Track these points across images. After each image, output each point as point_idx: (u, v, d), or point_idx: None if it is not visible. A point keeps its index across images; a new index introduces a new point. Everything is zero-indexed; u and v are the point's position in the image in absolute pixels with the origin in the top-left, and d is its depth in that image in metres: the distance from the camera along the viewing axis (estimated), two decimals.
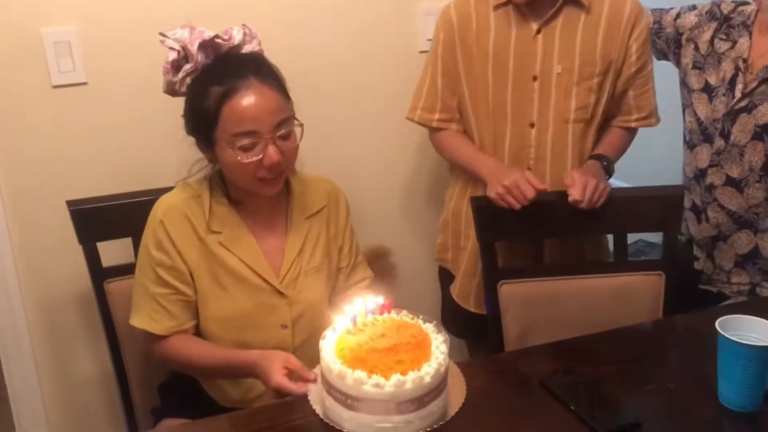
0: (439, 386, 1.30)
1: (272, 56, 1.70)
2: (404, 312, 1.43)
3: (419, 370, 1.26)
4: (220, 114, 1.53)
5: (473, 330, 2.09)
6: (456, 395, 1.38)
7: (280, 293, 1.67)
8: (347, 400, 1.26)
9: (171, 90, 1.61)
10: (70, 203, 1.84)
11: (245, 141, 1.53)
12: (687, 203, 2.17)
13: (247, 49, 1.61)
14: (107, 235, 1.86)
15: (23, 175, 2.08)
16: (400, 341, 1.30)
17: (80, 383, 2.29)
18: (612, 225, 1.90)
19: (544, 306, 1.89)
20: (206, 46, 1.55)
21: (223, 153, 1.56)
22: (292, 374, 1.41)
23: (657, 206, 1.89)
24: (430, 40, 2.09)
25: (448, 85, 2.02)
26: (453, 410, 1.34)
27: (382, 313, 1.39)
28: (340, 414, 1.29)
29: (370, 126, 2.42)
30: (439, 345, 1.34)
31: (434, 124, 2.07)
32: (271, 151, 1.54)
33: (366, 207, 2.43)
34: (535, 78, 1.91)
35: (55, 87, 2.03)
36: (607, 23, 1.90)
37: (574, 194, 1.78)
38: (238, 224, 1.66)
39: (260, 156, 1.54)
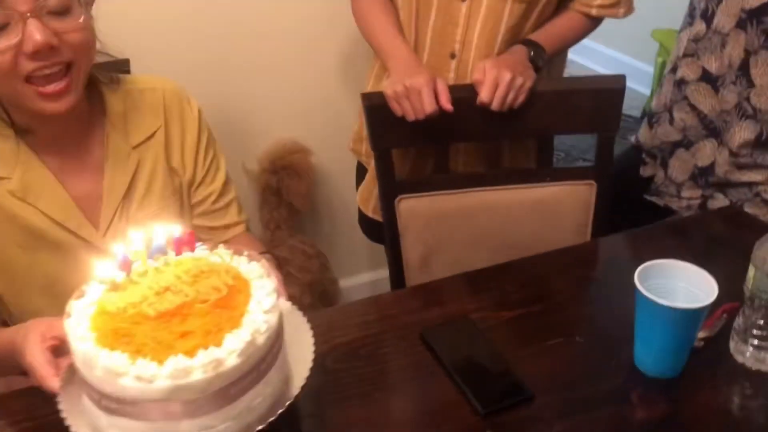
0: (258, 366, 0.75)
1: None
2: (220, 247, 0.86)
3: (219, 345, 0.71)
4: None
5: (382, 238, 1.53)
6: (301, 364, 0.83)
7: (103, 251, 1.04)
8: (101, 399, 0.72)
9: None
10: None
11: None
12: None
13: None
14: None
15: None
16: (193, 298, 0.75)
17: None
18: (535, 126, 1.34)
19: (451, 224, 1.37)
20: None
21: None
22: (62, 347, 0.85)
23: (592, 101, 1.33)
24: None
25: None
26: (294, 390, 0.80)
27: (179, 253, 0.83)
28: (96, 418, 0.75)
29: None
30: (262, 298, 0.78)
31: None
32: (32, 28, 0.91)
33: (269, 97, 1.88)
34: None
35: None
36: None
37: (482, 95, 1.24)
38: (33, 164, 1.05)
39: (17, 39, 0.91)
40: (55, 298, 1.08)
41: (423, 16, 1.39)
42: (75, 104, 1.00)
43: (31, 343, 0.84)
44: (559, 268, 1.21)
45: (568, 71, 1.74)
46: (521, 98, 1.27)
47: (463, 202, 1.37)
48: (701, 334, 0.98)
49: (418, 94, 1.23)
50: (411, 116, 1.25)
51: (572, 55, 1.61)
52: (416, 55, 1.36)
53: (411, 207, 1.37)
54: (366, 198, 1.60)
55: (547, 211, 1.38)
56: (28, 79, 0.95)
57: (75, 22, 0.96)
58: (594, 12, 1.40)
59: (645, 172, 1.60)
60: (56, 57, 0.95)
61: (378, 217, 1.53)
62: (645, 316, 0.93)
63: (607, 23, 1.49)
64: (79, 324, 0.76)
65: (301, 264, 1.88)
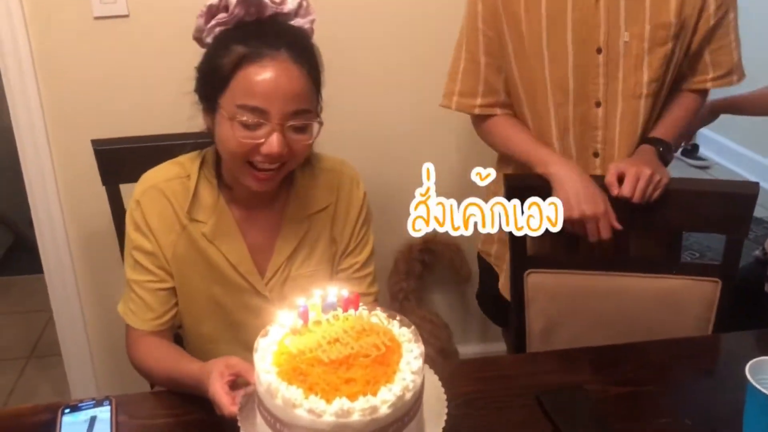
0: (403, 418, 0.90)
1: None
2: (377, 310, 1.03)
3: (375, 395, 0.87)
4: (233, 77, 1.15)
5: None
6: (432, 416, 0.99)
7: (264, 296, 1.32)
8: (276, 423, 0.90)
9: (198, 37, 1.24)
10: (95, 142, 1.57)
11: (248, 118, 1.15)
12: None
13: (297, 22, 1.23)
14: (131, 177, 1.48)
15: (65, 108, 1.87)
16: (357, 351, 0.92)
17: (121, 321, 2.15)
18: (667, 220, 1.45)
19: (575, 302, 1.48)
20: (249, 3, 1.19)
21: (221, 123, 1.19)
22: (238, 380, 1.06)
23: (722, 204, 1.43)
24: None
25: (492, 63, 1.55)
26: None
27: (345, 310, 1.01)
28: None
29: (405, 105, 2.04)
30: (411, 360, 0.94)
31: (476, 111, 1.58)
32: (275, 139, 1.15)
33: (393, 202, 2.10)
34: (599, 50, 1.45)
35: (97, 18, 1.78)
36: None
37: (625, 188, 1.36)
38: (224, 213, 1.29)
39: (260, 140, 1.16)
40: (222, 324, 1.34)
41: (560, 126, 1.53)
42: (272, 189, 1.24)
43: (214, 378, 1.05)
44: (677, 355, 1.31)
45: (714, 172, 1.79)
46: (657, 193, 1.39)
47: (590, 283, 1.50)
48: None
49: (595, 223, 1.39)
50: (590, 239, 1.41)
51: (716, 155, 1.70)
52: (575, 165, 1.49)
53: (539, 281, 1.51)
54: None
55: (671, 302, 1.48)
56: (251, 163, 1.19)
57: (305, 141, 1.21)
58: (709, 85, 1.53)
59: None
60: (280, 161, 1.19)
61: (505, 293, 1.67)
62: (754, 408, 1.02)
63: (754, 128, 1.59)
64: (263, 359, 0.95)
65: (430, 332, 2.07)
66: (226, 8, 1.19)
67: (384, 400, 0.89)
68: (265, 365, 0.94)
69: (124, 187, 1.59)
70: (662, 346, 1.33)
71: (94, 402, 1.16)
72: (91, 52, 1.82)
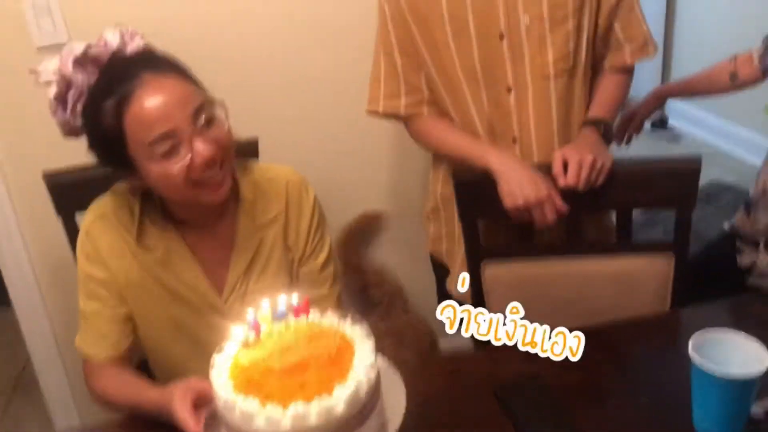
0: (359, 414, 0.93)
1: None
2: (328, 313, 1.06)
3: (330, 394, 0.91)
4: (124, 128, 1.14)
5: None
6: (394, 412, 1.02)
7: (223, 313, 1.32)
8: None
9: (69, 130, 1.22)
10: (45, 175, 1.59)
11: (165, 146, 1.14)
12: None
13: (130, 50, 1.22)
14: (85, 205, 1.51)
15: (16, 141, 1.88)
16: (309, 356, 0.95)
17: None
18: (615, 201, 1.49)
19: (533, 291, 1.51)
20: (82, 62, 1.16)
21: (147, 170, 1.17)
22: (198, 401, 1.07)
23: (668, 181, 1.46)
24: None
25: (409, 63, 1.57)
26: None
27: (297, 316, 1.04)
28: None
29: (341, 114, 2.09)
30: (363, 357, 0.97)
31: (402, 111, 1.60)
32: (199, 145, 1.15)
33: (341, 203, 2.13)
34: (501, 36, 1.47)
35: (40, 48, 1.79)
36: None
37: (569, 178, 1.38)
38: (173, 238, 1.29)
39: (188, 156, 1.15)
40: (189, 345, 1.35)
41: (478, 115, 1.56)
42: (229, 191, 1.24)
43: (176, 401, 1.06)
44: (635, 335, 1.34)
45: (686, 143, 1.77)
46: (602, 178, 1.42)
47: (545, 271, 1.53)
48: (762, 406, 1.08)
49: (540, 208, 1.41)
50: (538, 226, 1.44)
51: (687, 126, 1.71)
52: (511, 153, 1.52)
53: (495, 272, 1.54)
54: (450, 280, 1.76)
55: (627, 281, 1.51)
56: (196, 182, 1.18)
57: (222, 129, 1.20)
58: (628, 60, 1.57)
59: (743, 261, 1.68)
60: (216, 160, 1.19)
61: (449, 290, 1.73)
62: (700, 384, 1.06)
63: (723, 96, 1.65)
64: (220, 375, 0.98)
65: (412, 337, 2.10)
66: (68, 86, 1.18)
67: (339, 398, 0.91)
68: (222, 380, 0.96)
69: (80, 216, 1.59)
70: (617, 326, 1.36)
71: None
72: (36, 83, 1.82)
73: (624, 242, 1.54)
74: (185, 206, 1.27)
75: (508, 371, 1.24)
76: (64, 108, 1.19)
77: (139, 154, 1.17)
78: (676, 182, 1.47)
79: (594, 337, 1.31)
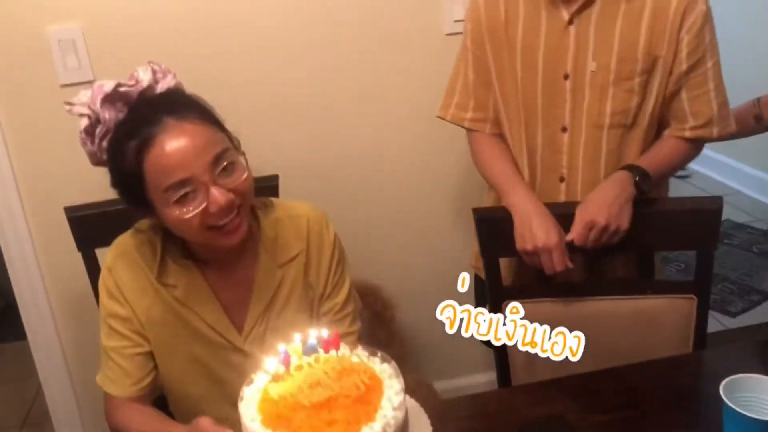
0: None
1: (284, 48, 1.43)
2: (359, 349, 1.06)
3: None
4: (144, 171, 1.15)
5: None
6: None
7: (244, 352, 1.32)
8: None
9: (97, 161, 1.24)
10: (68, 210, 1.60)
11: (180, 193, 1.15)
12: None
13: (161, 88, 1.22)
14: (106, 241, 1.47)
15: (38, 176, 1.89)
16: (338, 392, 0.94)
17: None
18: (637, 242, 1.48)
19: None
20: (112, 99, 1.18)
21: (163, 213, 1.19)
22: None
23: (690, 221, 1.48)
24: (458, 21, 1.71)
25: (481, 80, 1.62)
26: None
27: (327, 351, 1.03)
28: None
29: (393, 121, 2.09)
30: (392, 396, 0.96)
31: (466, 124, 1.66)
32: (215, 194, 1.15)
33: (391, 211, 2.17)
34: (566, 76, 1.50)
35: (63, 86, 1.81)
36: (652, 13, 1.44)
37: (576, 239, 1.40)
38: (194, 276, 1.30)
39: (203, 204, 1.16)
40: (208, 383, 1.35)
41: (531, 147, 1.59)
42: (245, 235, 1.24)
43: None
44: (656, 377, 1.33)
45: (694, 181, 1.79)
46: (615, 239, 1.42)
47: (567, 310, 1.52)
48: None
49: (549, 255, 1.43)
50: (546, 272, 1.45)
51: (696, 166, 1.72)
52: (534, 197, 1.53)
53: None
54: None
55: (648, 322, 1.51)
56: (211, 227, 1.19)
57: (241, 177, 1.20)
58: (687, 134, 1.53)
59: None
60: (232, 208, 1.19)
61: None
62: (732, 427, 1.04)
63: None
64: (248, 407, 0.97)
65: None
66: (97, 120, 1.19)
67: None
68: (250, 413, 0.96)
69: (100, 252, 1.61)
70: (640, 369, 1.36)
71: None
72: (60, 119, 1.85)
73: (645, 283, 1.54)
74: (204, 247, 1.27)
75: (533, 412, 1.24)
76: (93, 141, 1.21)
77: (156, 197, 1.18)
78: (698, 223, 1.48)
79: (618, 380, 1.31)
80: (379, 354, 1.06)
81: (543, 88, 1.53)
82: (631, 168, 1.49)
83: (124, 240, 1.33)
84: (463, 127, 1.69)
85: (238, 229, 1.21)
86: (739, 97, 1.91)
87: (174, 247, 1.30)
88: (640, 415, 1.22)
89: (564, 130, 1.55)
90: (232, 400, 1.32)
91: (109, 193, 1.62)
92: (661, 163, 1.53)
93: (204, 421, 1.09)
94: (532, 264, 1.45)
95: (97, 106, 1.17)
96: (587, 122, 1.53)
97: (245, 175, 1.21)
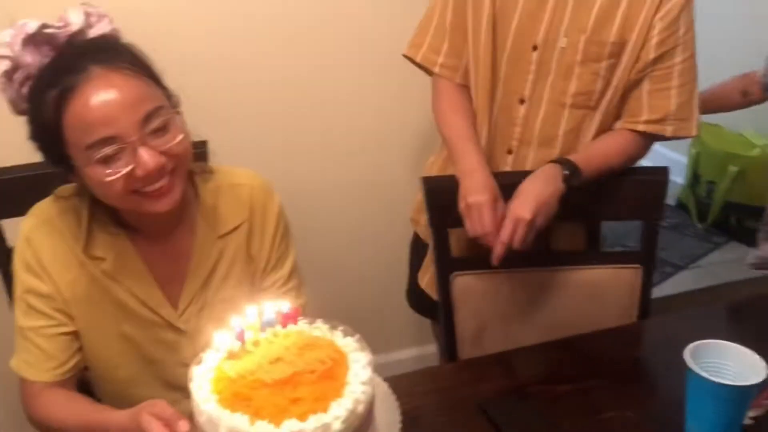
0: (357, 431, 0.86)
1: None
2: (318, 322, 0.98)
3: (326, 411, 0.83)
4: (63, 124, 1.02)
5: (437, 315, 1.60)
6: (389, 428, 0.96)
7: (179, 329, 1.22)
8: None
9: (17, 109, 1.09)
10: None
11: (104, 152, 1.02)
12: None
13: (93, 33, 1.08)
14: (15, 211, 1.35)
15: None
16: (302, 368, 0.87)
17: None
18: (584, 212, 1.48)
19: (503, 301, 1.48)
20: (35, 41, 1.04)
21: (86, 174, 1.05)
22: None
23: (637, 191, 1.47)
24: None
25: (459, 24, 1.50)
26: None
27: (285, 325, 0.95)
28: None
29: (392, 119, 2.06)
30: (359, 371, 0.90)
31: (436, 69, 1.53)
32: (143, 155, 1.02)
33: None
34: (535, 47, 1.43)
35: None
36: None
37: (502, 236, 1.33)
38: (125, 247, 1.17)
39: (130, 167, 1.03)
40: (139, 365, 1.23)
41: (487, 112, 1.52)
42: (177, 202, 1.11)
43: (147, 426, 0.94)
44: (609, 346, 1.33)
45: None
46: (532, 235, 1.36)
47: (514, 281, 1.50)
48: (752, 413, 1.08)
49: (479, 213, 1.35)
50: (470, 233, 1.37)
51: None
52: (485, 166, 1.45)
53: (465, 283, 1.49)
54: (423, 272, 1.71)
55: (596, 292, 1.50)
56: (135, 191, 1.07)
57: (175, 139, 1.07)
58: (640, 128, 1.45)
59: None
60: (163, 173, 1.07)
61: (430, 292, 1.65)
62: (696, 393, 1.03)
63: None
64: (201, 387, 0.88)
65: None
66: (17, 65, 1.05)
67: (336, 416, 0.84)
68: (203, 394, 0.87)
69: (7, 222, 1.45)
70: (594, 338, 1.34)
71: None
72: None
73: (593, 253, 1.53)
74: (133, 213, 1.15)
75: (493, 386, 1.20)
76: (12, 87, 1.06)
77: (77, 155, 1.05)
78: (644, 194, 1.47)
79: (574, 350, 1.29)
80: (340, 327, 0.99)
81: (510, 54, 1.46)
82: (562, 161, 1.41)
83: (44, 207, 1.18)
84: (431, 71, 1.57)
85: (169, 193, 1.08)
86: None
87: (103, 215, 1.17)
88: (599, 385, 1.21)
89: (522, 101, 1.49)
90: (167, 383, 1.22)
91: (18, 158, 1.47)
92: (600, 158, 1.45)
93: (159, 405, 0.96)
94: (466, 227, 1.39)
95: (18, 47, 1.03)
96: (549, 98, 1.47)
97: (180, 136, 1.08)
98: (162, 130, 1.06)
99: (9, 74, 1.05)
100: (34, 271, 1.16)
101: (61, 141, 1.04)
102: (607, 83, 1.44)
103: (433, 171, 1.67)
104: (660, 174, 1.47)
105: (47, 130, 1.05)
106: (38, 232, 1.16)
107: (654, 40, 1.40)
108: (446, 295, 1.50)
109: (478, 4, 1.47)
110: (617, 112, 1.49)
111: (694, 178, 3.55)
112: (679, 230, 3.47)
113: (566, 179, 1.39)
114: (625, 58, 1.42)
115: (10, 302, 1.30)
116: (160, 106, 1.06)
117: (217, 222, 1.23)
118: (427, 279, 1.69)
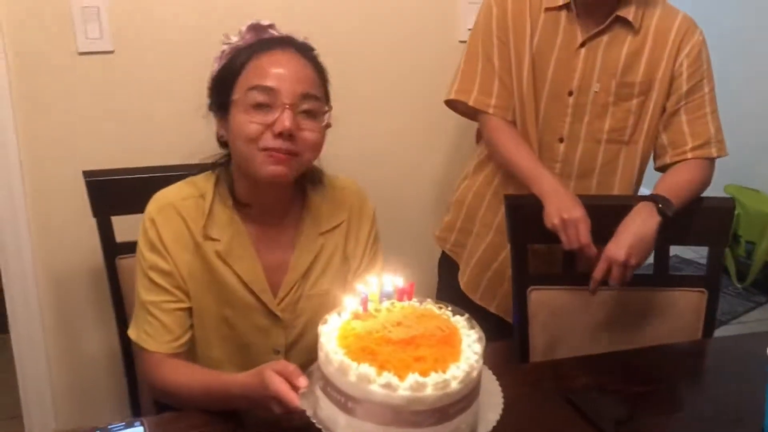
0: (469, 395, 0.94)
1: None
2: (428, 300, 1.07)
3: (444, 371, 0.91)
4: (245, 67, 1.24)
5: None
6: (488, 410, 1.02)
7: (275, 316, 1.32)
8: (347, 402, 0.92)
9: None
10: (86, 173, 1.57)
11: (260, 97, 1.21)
12: None
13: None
14: (123, 209, 1.55)
15: (43, 142, 1.83)
16: (422, 332, 0.96)
17: (87, 360, 2.01)
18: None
19: (575, 316, 1.57)
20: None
21: (235, 116, 1.23)
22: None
23: (704, 219, 1.57)
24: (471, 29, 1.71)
25: (505, 66, 1.63)
26: (484, 429, 0.98)
27: (400, 299, 1.05)
28: (335, 419, 0.94)
29: (404, 118, 2.12)
30: (471, 344, 0.98)
31: (490, 110, 1.65)
32: (286, 116, 1.20)
33: (393, 205, 2.13)
34: (570, 93, 1.60)
35: (81, 54, 1.78)
36: (654, 40, 1.57)
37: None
38: (239, 231, 1.30)
39: (270, 120, 1.21)
40: (231, 348, 1.34)
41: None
42: (290, 178, 1.26)
43: (271, 378, 1.05)
44: (677, 358, 1.43)
45: None
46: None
47: (586, 298, 1.58)
48: None
49: (575, 227, 1.46)
50: (567, 246, 1.48)
51: None
52: (566, 186, 1.58)
53: (540, 298, 1.59)
54: (475, 285, 1.80)
55: (662, 312, 1.59)
56: (263, 149, 1.22)
57: (315, 130, 1.26)
58: (689, 156, 1.59)
59: None
60: (291, 145, 1.22)
61: (485, 305, 1.76)
62: None
63: None
64: (329, 341, 0.97)
65: None
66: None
67: (454, 376, 0.92)
68: (332, 346, 0.96)
69: (116, 219, 1.58)
70: (662, 351, 1.44)
71: (124, 424, 1.13)
72: (73, 87, 1.82)
73: (661, 276, 1.62)
74: (250, 183, 1.28)
75: (575, 383, 1.28)
76: (223, 57, 1.31)
77: (239, 94, 1.24)
78: (712, 220, 1.58)
79: (643, 359, 1.38)
80: (450, 307, 1.08)
81: (547, 99, 1.62)
82: (652, 197, 1.52)
83: (168, 192, 1.32)
84: (486, 113, 1.67)
85: (283, 164, 1.23)
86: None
87: (223, 192, 1.31)
88: (680, 387, 1.30)
89: (561, 140, 1.64)
90: (254, 366, 1.31)
91: (120, 165, 1.62)
92: (683, 186, 1.56)
93: (282, 363, 1.07)
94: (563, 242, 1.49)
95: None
96: (586, 136, 1.63)
97: (318, 132, 1.26)
98: (309, 114, 1.24)
99: (225, 52, 1.29)
100: (156, 249, 1.28)
101: (234, 81, 1.25)
102: (638, 118, 1.61)
103: (469, 194, 1.79)
104: (727, 202, 1.59)
105: (230, 73, 1.26)
106: (161, 215, 1.29)
107: (685, 75, 1.58)
108: (523, 308, 1.58)
109: (519, 51, 1.62)
110: (650, 144, 1.64)
111: (734, 239, 3.61)
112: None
113: (661, 212, 1.49)
114: (654, 94, 1.59)
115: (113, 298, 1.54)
116: (317, 96, 1.25)
117: (320, 219, 1.35)
118: (480, 293, 1.80)
